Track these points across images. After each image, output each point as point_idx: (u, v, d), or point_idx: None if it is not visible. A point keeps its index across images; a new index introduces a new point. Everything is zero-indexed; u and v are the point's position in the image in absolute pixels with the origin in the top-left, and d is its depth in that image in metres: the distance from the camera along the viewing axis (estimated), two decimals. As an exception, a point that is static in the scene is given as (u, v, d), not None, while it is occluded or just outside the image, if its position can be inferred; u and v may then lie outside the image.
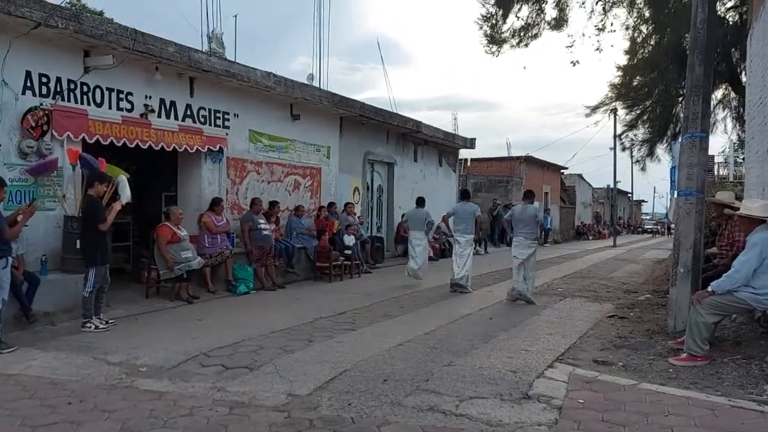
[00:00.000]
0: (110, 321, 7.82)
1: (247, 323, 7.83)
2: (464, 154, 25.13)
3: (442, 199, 20.48)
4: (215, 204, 10.92)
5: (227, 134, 11.56)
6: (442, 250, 18.92)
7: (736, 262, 5.87)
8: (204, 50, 11.72)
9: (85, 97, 8.93)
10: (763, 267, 5.75)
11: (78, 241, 7.86)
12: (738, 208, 6.47)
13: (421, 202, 13.14)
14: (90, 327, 7.46)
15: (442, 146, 20.96)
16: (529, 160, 32.14)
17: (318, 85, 16.28)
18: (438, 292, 11.27)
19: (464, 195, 12.65)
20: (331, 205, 14.20)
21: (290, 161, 13.38)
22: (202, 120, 11.08)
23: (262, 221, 11.36)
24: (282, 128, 13.05)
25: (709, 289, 5.97)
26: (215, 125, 11.34)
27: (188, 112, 10.79)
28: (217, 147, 11.26)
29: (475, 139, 22.43)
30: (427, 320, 8.25)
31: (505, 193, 29.64)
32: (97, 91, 9.13)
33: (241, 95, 11.81)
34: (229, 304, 9.56)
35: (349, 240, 13.54)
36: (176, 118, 10.51)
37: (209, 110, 11.23)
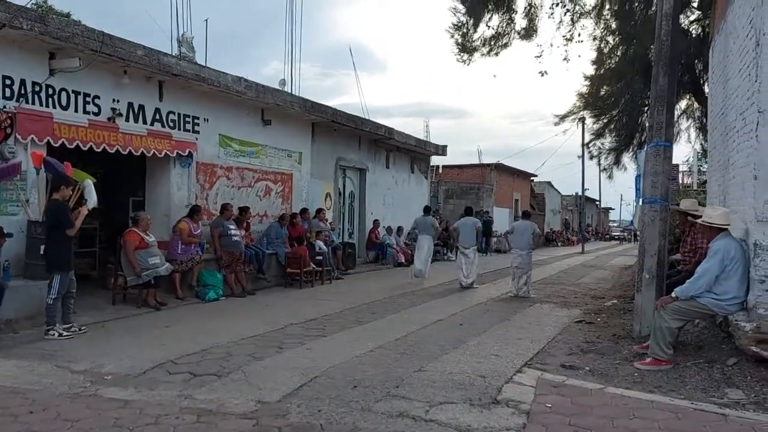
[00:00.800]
0: (82, 328, 7.66)
1: (216, 330, 7.73)
2: (436, 160, 25.41)
3: (413, 205, 20.60)
4: (195, 212, 10.81)
5: (197, 139, 11.43)
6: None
7: (698, 268, 5.94)
8: (174, 54, 11.62)
9: (50, 99, 8.77)
10: (724, 274, 5.83)
11: (42, 247, 7.68)
12: (700, 216, 6.56)
13: (427, 210, 15.05)
14: (53, 334, 7.29)
15: (414, 153, 20.99)
16: (499, 168, 32.61)
17: (290, 91, 16.21)
18: (410, 298, 11.25)
19: (468, 211, 13.86)
20: (304, 211, 14.11)
21: (261, 167, 13.24)
22: (172, 124, 10.94)
23: (232, 227, 11.26)
24: (253, 133, 12.94)
25: (673, 294, 6.03)
26: (185, 130, 11.20)
27: (157, 116, 10.64)
28: (187, 152, 11.13)
29: (446, 146, 22.59)
30: (398, 326, 8.19)
31: (476, 200, 29.91)
32: (63, 93, 8.97)
33: (211, 100, 11.70)
34: (197, 310, 9.43)
35: (321, 246, 13.44)
36: (145, 122, 10.36)
37: (179, 114, 11.09)
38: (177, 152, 10.86)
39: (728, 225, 6.16)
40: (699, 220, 6.49)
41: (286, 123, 13.85)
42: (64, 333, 7.37)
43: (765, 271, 5.52)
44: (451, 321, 8.82)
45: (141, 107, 10.30)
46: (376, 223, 18.07)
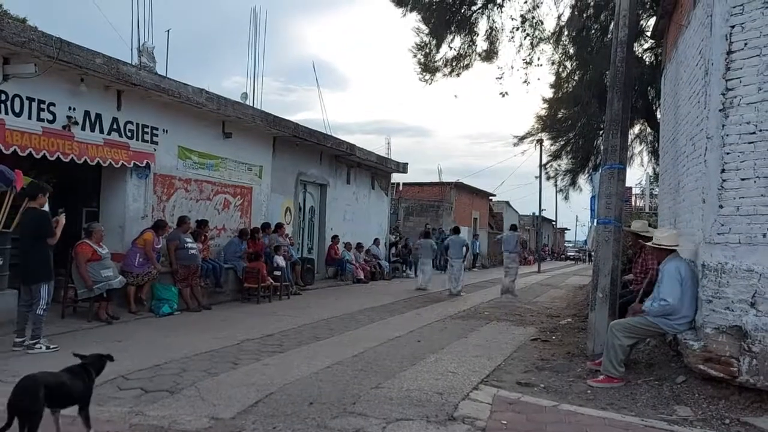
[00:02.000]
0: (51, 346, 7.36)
1: (170, 345, 7.54)
2: (397, 177, 25.32)
3: (373, 221, 20.62)
4: (160, 227, 10.61)
5: (155, 150, 11.22)
6: (372, 273, 18.83)
7: (662, 290, 5.98)
8: (134, 63, 11.36)
9: (2, 105, 8.51)
10: None
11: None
12: (650, 238, 6.63)
13: (456, 230, 16.63)
14: (40, 348, 7.06)
15: (375, 169, 20.91)
16: (459, 186, 32.81)
17: (252, 104, 15.98)
18: (369, 314, 11.13)
19: (456, 230, 16.58)
20: (266, 226, 13.87)
21: (221, 179, 13.00)
22: (129, 134, 10.72)
23: (189, 240, 11.03)
24: (213, 146, 12.73)
25: (644, 307, 6.17)
26: (143, 140, 10.98)
27: (114, 126, 10.42)
28: (144, 162, 10.90)
29: (407, 163, 22.64)
30: (356, 342, 8.09)
31: (435, 218, 30.10)
32: (17, 100, 8.72)
33: (171, 111, 11.50)
34: (151, 325, 9.21)
35: (280, 261, 13.23)
36: (101, 131, 10.13)
37: (137, 125, 10.87)
38: (134, 163, 10.64)
39: (677, 246, 6.22)
40: (648, 243, 6.55)
41: (247, 136, 13.67)
42: (51, 346, 7.12)
43: (712, 292, 5.61)
44: (410, 338, 8.71)
45: (98, 116, 10.07)
46: (335, 238, 17.87)
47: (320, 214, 17.83)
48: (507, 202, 43.97)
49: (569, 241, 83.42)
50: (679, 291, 5.86)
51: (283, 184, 15.40)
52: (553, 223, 61.26)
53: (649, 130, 17.49)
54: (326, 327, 9.43)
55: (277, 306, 11.81)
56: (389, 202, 23.12)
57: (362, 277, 17.73)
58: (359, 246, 19.02)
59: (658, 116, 13.04)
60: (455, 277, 15.31)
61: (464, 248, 15.77)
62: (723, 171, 5.70)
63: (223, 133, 12.91)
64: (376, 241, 20.37)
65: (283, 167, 15.31)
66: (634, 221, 8.52)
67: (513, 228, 16.76)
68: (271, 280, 12.68)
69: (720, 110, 5.73)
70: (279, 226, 14.32)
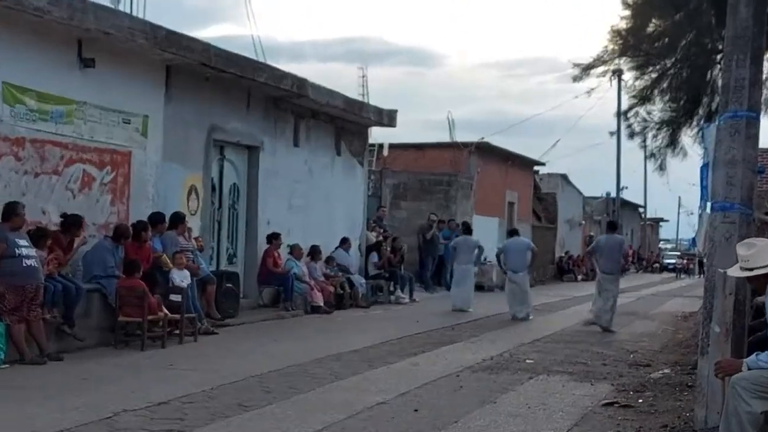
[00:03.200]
0: None
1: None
2: (379, 135, 20.36)
3: (339, 209, 16.27)
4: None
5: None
6: (339, 296, 14.66)
7: None
8: None
9: None
10: None
11: None
12: None
13: (467, 228, 16.02)
14: None
15: (343, 122, 16.47)
16: (483, 149, 23.76)
17: (129, 11, 12.98)
18: (332, 365, 8.95)
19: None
20: (156, 219, 10.83)
21: (76, 139, 10.38)
22: None
23: (23, 243, 8.70)
24: (63, 81, 10.15)
25: (748, 362, 4.94)
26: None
27: None
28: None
29: (396, 111, 17.67)
30: (309, 415, 6.82)
31: (445, 202, 21.86)
32: None
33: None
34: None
35: (181, 278, 10.59)
36: None
37: None
38: None
39: None
40: None
41: (122, 65, 10.96)
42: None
43: None
44: (401, 404, 7.34)
45: None
46: (275, 239, 13.88)
47: (249, 198, 14.14)
48: (563, 176, 32.19)
49: (667, 240, 64.84)
50: None
51: (183, 146, 12.25)
52: (641, 210, 45.93)
53: None
54: (259, 388, 7.88)
55: (175, 354, 9.70)
56: (366, 176, 18.24)
57: (321, 304, 13.87)
58: (315, 252, 14.61)
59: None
60: (519, 295, 14.35)
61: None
62: None
63: (79, 59, 10.13)
64: (344, 244, 15.70)
65: (185, 119, 12.16)
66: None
67: (611, 226, 14.77)
68: (166, 311, 10.21)
69: None
70: (177, 220, 11.31)
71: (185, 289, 10.45)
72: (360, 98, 20.54)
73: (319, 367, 8.67)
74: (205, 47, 11.75)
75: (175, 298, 10.27)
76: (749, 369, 4.89)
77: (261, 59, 15.02)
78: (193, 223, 12.31)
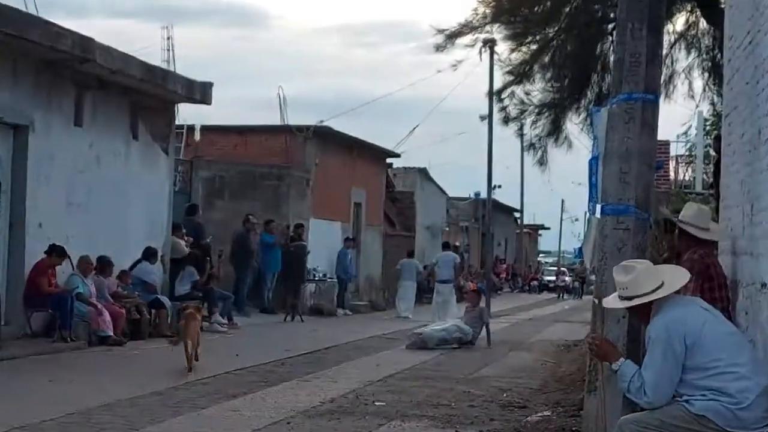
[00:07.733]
0: None
1: None
2: (189, 115, 17.71)
3: (137, 209, 13.84)
4: None
5: None
6: (134, 322, 12.38)
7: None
8: None
9: None
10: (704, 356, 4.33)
11: None
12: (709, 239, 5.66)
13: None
14: None
15: (141, 96, 14.23)
16: (323, 135, 20.45)
17: None
18: (121, 411, 7.61)
19: (446, 246, 18.34)
20: None
21: None
22: None
23: None
24: None
25: (620, 361, 4.70)
26: None
27: None
28: None
29: (211, 84, 15.21)
30: None
31: (275, 201, 18.82)
32: None
33: None
34: None
35: None
36: None
37: None
38: None
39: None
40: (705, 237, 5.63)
41: None
42: None
43: None
44: None
45: None
46: (57, 255, 11.70)
47: (13, 194, 12.03)
48: (423, 171, 28.25)
49: (548, 252, 56.37)
50: (672, 360, 4.48)
51: None
52: (517, 215, 39.97)
53: (704, 26, 12.08)
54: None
55: None
56: (172, 167, 15.42)
57: (110, 333, 11.65)
58: (105, 264, 12.37)
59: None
60: (442, 307, 16.00)
61: (455, 266, 16.95)
62: None
63: None
64: (148, 255, 13.30)
65: None
66: (687, 206, 6.72)
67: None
68: None
69: None
70: None
71: None
72: (164, 66, 18.10)
73: (108, 414, 7.33)
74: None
75: None
76: (623, 369, 4.66)
77: (33, 13, 12.86)
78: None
